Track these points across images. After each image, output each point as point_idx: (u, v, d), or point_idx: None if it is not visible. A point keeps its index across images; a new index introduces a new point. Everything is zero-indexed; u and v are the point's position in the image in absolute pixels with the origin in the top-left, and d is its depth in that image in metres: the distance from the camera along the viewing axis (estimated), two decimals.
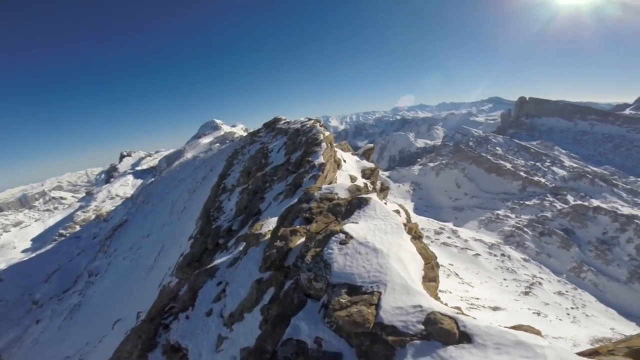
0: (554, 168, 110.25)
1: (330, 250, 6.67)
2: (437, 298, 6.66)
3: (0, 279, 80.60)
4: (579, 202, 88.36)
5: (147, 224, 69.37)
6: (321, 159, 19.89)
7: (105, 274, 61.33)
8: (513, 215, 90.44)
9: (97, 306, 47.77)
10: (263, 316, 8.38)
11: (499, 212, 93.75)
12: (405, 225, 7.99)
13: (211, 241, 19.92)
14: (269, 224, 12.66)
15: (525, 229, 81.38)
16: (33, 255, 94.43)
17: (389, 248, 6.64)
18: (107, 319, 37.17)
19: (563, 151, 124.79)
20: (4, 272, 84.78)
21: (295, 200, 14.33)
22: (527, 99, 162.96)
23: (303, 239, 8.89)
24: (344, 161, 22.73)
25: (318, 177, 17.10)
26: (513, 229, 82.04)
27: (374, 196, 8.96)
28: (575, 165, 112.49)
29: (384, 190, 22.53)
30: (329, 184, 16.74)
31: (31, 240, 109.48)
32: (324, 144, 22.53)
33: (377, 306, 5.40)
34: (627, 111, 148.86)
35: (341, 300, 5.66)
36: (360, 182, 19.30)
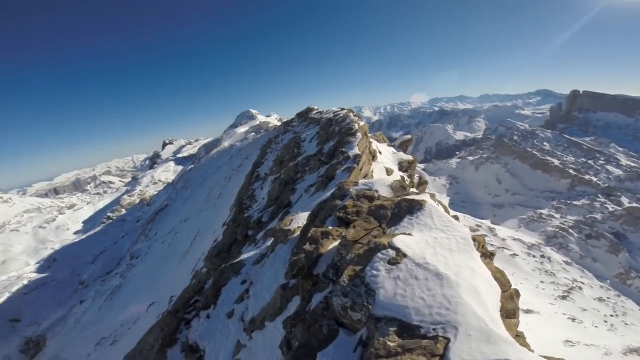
0: (609, 167, 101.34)
1: (375, 272, 5.29)
2: (521, 341, 5.31)
3: (54, 259, 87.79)
4: (634, 204, 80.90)
5: (186, 209, 72.39)
6: (356, 150, 18.80)
7: (145, 256, 64.63)
8: (558, 215, 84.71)
9: (136, 288, 50.13)
10: (285, 332, 7.37)
11: (542, 211, 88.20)
12: (474, 240, 6.26)
13: (241, 232, 19.78)
14: (299, 219, 11.89)
15: (570, 230, 75.98)
16: (83, 236, 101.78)
17: (458, 273, 5.05)
18: (143, 302, 39.19)
19: (620, 149, 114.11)
20: (58, 252, 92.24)
21: (328, 194, 13.66)
22: (581, 92, 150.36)
23: (336, 243, 7.80)
24: (380, 153, 21.44)
25: (353, 170, 16.04)
26: (557, 229, 76.87)
27: (428, 198, 7.48)
28: (633, 164, 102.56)
29: (422, 185, 21.26)
30: (364, 177, 15.92)
31: (82, 222, 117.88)
32: (358, 134, 21.59)
33: (443, 358, 4.06)
34: None
35: (388, 342, 4.31)
36: (397, 175, 18.34)
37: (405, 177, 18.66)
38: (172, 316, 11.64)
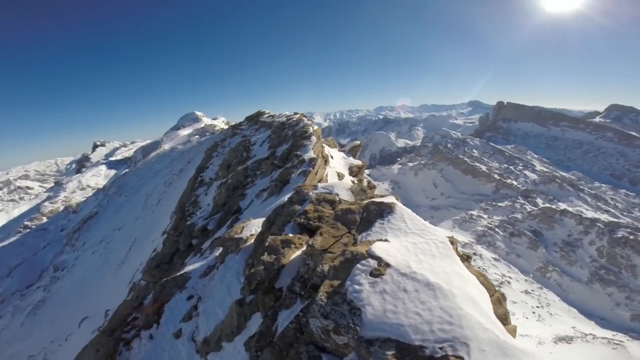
0: (526, 172, 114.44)
1: (357, 286, 4.66)
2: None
3: None
4: (547, 204, 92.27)
5: (119, 216, 67.02)
6: (311, 154, 18.49)
7: (72, 268, 58.75)
8: (486, 216, 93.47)
9: (63, 302, 45.66)
10: (249, 355, 6.60)
11: (472, 212, 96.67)
12: (451, 242, 5.96)
13: (184, 241, 18.54)
14: (252, 226, 11.17)
15: (496, 229, 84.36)
16: None
17: (449, 282, 4.62)
18: (73, 316, 35.83)
19: (535, 155, 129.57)
20: None
21: (284, 199, 12.92)
22: (505, 103, 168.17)
23: (299, 252, 7.13)
24: (331, 157, 21.48)
25: (308, 174, 15.69)
26: (485, 229, 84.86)
27: (398, 201, 7.07)
28: (545, 169, 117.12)
29: (371, 189, 21.89)
30: (319, 181, 15.64)
31: None
32: (313, 138, 21.45)
33: None
34: (597, 119, 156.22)
35: None
36: (348, 179, 18.49)
37: (356, 182, 18.78)
38: (107, 336, 10.49)
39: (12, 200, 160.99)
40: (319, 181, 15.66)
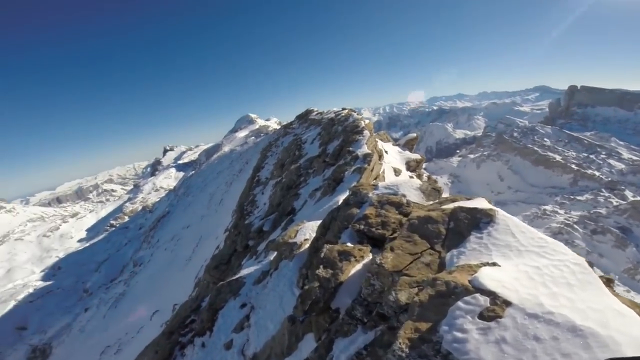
0: (611, 161, 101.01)
1: (459, 334, 3.40)
2: None
3: (59, 267, 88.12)
4: (639, 197, 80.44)
5: (187, 215, 72.48)
6: (365, 149, 17.24)
7: (148, 264, 64.75)
8: (562, 211, 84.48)
9: (139, 296, 50.14)
10: None
11: (546, 207, 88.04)
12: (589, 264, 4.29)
13: (241, 242, 18.79)
14: (306, 229, 10.38)
15: (575, 226, 75.72)
16: (87, 244, 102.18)
17: (606, 323, 3.20)
18: (147, 309, 39.13)
19: (621, 143, 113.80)
20: (62, 260, 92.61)
21: (339, 200, 12.07)
22: (579, 87, 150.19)
23: (359, 267, 6.24)
24: (386, 152, 19.82)
25: (364, 171, 14.37)
26: (562, 225, 76.65)
27: (498, 208, 5.51)
28: (635, 157, 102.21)
29: (435, 190, 20.22)
30: (375, 178, 14.57)
31: (86, 230, 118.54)
32: (366, 132, 20.25)
33: None
34: None
35: None
36: (406, 175, 17.22)
37: (414, 177, 17.58)
38: (166, 338, 10.61)
39: (100, 202, 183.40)
40: (375, 178, 14.63)
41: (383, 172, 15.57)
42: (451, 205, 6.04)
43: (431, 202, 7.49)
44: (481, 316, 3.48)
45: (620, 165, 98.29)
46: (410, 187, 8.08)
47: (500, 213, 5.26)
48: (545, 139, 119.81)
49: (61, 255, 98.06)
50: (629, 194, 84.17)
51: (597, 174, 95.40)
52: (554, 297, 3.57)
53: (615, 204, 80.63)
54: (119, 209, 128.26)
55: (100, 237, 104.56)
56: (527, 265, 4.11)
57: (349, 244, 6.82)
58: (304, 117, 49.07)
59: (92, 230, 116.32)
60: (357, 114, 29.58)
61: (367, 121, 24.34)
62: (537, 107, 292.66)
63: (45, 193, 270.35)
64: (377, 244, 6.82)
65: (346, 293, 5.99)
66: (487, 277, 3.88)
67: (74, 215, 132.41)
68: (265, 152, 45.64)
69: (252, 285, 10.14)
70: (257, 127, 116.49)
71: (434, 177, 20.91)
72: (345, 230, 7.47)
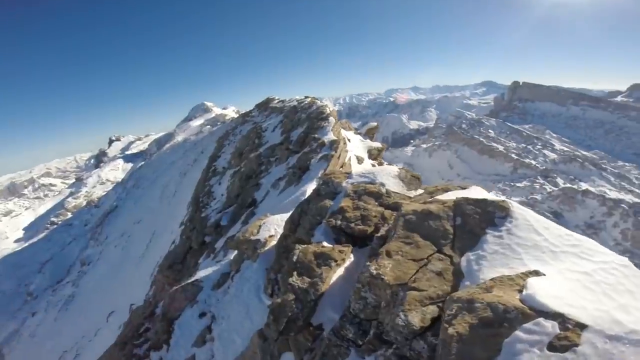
0: (545, 151, 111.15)
1: None
2: None
3: None
4: (568, 185, 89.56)
5: (138, 209, 68.72)
6: (331, 136, 16.87)
7: (97, 262, 61.08)
8: (504, 197, 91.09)
9: (91, 297, 47.63)
10: None
11: (490, 193, 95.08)
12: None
13: (196, 238, 17.61)
14: (270, 224, 9.35)
15: None
16: (26, 244, 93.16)
17: None
18: (101, 311, 37.24)
19: (554, 135, 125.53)
20: None
21: (305, 189, 11.69)
22: (521, 83, 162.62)
23: (341, 271, 5.39)
24: (348, 140, 19.74)
25: (331, 158, 14.00)
26: None
27: (511, 201, 4.79)
28: (565, 149, 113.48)
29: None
30: (341, 166, 14.11)
31: (23, 229, 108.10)
32: (331, 119, 19.91)
33: None
34: (619, 98, 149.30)
35: None
36: (368, 163, 17.15)
37: (376, 165, 17.58)
38: (119, 349, 9.62)
39: (38, 198, 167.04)
40: (341, 166, 14.24)
41: (349, 159, 15.28)
42: (449, 196, 5.20)
43: (414, 192, 6.81)
44: (552, 347, 2.70)
45: (553, 155, 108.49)
46: (388, 175, 7.11)
47: (515, 205, 4.49)
48: (490, 131, 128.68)
49: None
50: (560, 181, 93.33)
51: (534, 163, 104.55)
52: (625, 310, 2.88)
53: (548, 190, 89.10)
54: (60, 205, 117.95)
55: (41, 235, 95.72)
56: (573, 272, 3.39)
57: (325, 244, 5.88)
58: (264, 105, 48.05)
59: (31, 229, 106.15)
60: (321, 102, 29.28)
61: (332, 108, 24.02)
62: (484, 101, 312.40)
63: None
64: (357, 241, 6.00)
65: (329, 305, 5.08)
66: (544, 293, 3.03)
67: (7, 213, 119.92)
68: (222, 140, 44.16)
69: (210, 291, 9.19)
70: (214, 115, 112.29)
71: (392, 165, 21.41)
72: (318, 226, 6.53)
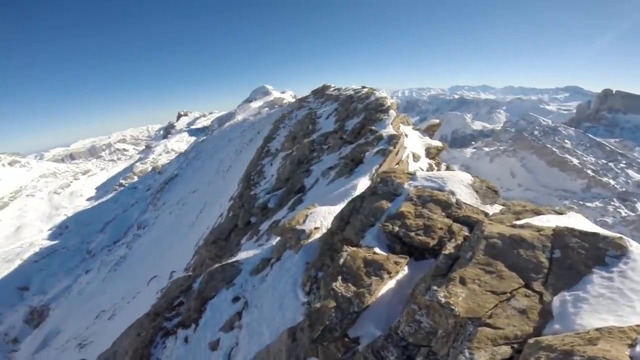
0: (629, 171, 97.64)
1: None
2: None
3: (66, 227, 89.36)
4: None
5: (195, 179, 72.72)
6: (391, 129, 15.71)
7: (152, 227, 65.02)
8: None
9: (139, 260, 49.98)
10: None
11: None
12: None
13: (243, 217, 17.66)
14: (317, 215, 8.86)
15: None
16: (96, 203, 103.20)
17: None
18: (145, 274, 38.87)
19: None
20: (70, 219, 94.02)
21: (356, 183, 10.90)
22: (614, 91, 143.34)
23: (392, 284, 4.85)
24: (406, 136, 18.29)
25: (388, 153, 12.88)
26: None
27: (632, 241, 3.81)
28: None
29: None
30: (398, 163, 13.08)
31: (95, 188, 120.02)
32: (392, 112, 18.72)
33: None
34: None
35: None
36: (424, 162, 16.12)
37: (433, 165, 16.57)
38: (151, 320, 9.68)
39: (112, 161, 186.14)
40: (398, 164, 13.20)
41: (407, 157, 14.24)
42: (542, 221, 4.36)
43: (490, 206, 5.73)
44: None
45: (638, 177, 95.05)
46: (459, 183, 6.17)
47: (635, 245, 3.70)
48: (566, 141, 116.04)
49: (70, 213, 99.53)
50: (639, 206, 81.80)
51: (612, 182, 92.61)
52: None
53: (623, 214, 78.69)
54: (129, 169, 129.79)
55: (109, 196, 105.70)
56: None
57: (378, 250, 5.22)
58: (320, 92, 47.69)
59: (102, 189, 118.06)
60: (379, 93, 27.87)
61: (392, 100, 22.74)
62: (565, 108, 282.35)
63: (59, 149, 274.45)
64: (414, 252, 5.31)
65: (372, 319, 4.58)
66: None
67: (85, 172, 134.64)
68: (278, 123, 44.74)
69: (248, 275, 8.91)
70: (272, 98, 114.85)
71: (444, 165, 19.73)
72: (370, 229, 5.85)
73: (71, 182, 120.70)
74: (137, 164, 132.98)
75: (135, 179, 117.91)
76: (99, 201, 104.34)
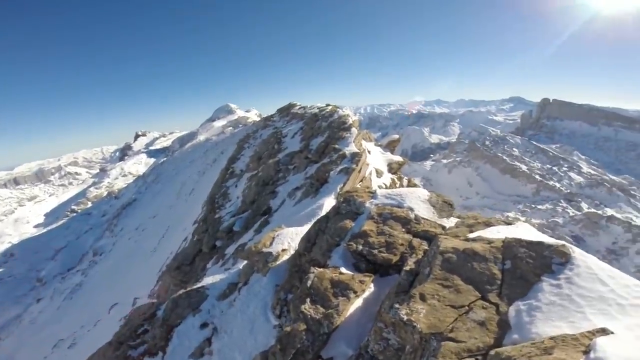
0: (571, 174, 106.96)
1: None
2: None
3: (12, 254, 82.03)
4: (592, 209, 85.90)
5: (155, 204, 69.64)
6: (353, 147, 16.12)
7: (109, 253, 61.50)
8: (523, 219, 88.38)
9: (97, 287, 47.48)
10: None
11: (509, 214, 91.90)
12: None
13: (207, 241, 17.35)
14: (284, 237, 8.95)
15: None
16: (44, 230, 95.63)
17: None
18: (104, 302, 36.86)
19: (582, 157, 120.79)
20: (15, 247, 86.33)
21: (322, 203, 11.12)
22: (551, 100, 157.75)
23: (359, 302, 5.00)
24: (369, 152, 18.73)
25: (351, 172, 13.27)
26: None
27: (574, 247, 4.10)
28: (593, 172, 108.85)
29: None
30: (361, 180, 13.55)
31: (44, 215, 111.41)
32: (354, 129, 19.22)
33: None
34: None
35: None
36: (387, 177, 16.47)
37: (396, 180, 17.09)
38: (114, 349, 9.32)
39: (62, 185, 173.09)
40: (361, 180, 13.69)
41: (370, 174, 14.71)
42: (493, 233, 4.63)
43: (446, 220, 5.99)
44: None
45: (579, 179, 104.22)
46: (417, 199, 6.46)
47: (577, 251, 3.92)
48: (514, 149, 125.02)
49: (15, 241, 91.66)
50: (584, 205, 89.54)
51: (558, 185, 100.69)
52: None
53: (571, 214, 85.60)
54: (82, 194, 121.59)
55: (60, 222, 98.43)
56: None
57: (344, 270, 5.38)
58: (285, 111, 48.04)
59: (51, 216, 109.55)
60: (342, 111, 28.90)
61: (354, 118, 23.39)
62: (510, 117, 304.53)
63: (2, 173, 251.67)
64: (378, 269, 5.51)
65: (342, 338, 4.71)
66: (615, 356, 2.52)
67: (32, 198, 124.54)
68: (242, 143, 44.29)
69: (215, 301, 8.88)
70: (236, 117, 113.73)
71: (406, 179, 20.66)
72: (336, 248, 6.04)
73: (15, 208, 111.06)
74: (91, 188, 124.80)
75: (89, 204, 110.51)
76: (48, 228, 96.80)
